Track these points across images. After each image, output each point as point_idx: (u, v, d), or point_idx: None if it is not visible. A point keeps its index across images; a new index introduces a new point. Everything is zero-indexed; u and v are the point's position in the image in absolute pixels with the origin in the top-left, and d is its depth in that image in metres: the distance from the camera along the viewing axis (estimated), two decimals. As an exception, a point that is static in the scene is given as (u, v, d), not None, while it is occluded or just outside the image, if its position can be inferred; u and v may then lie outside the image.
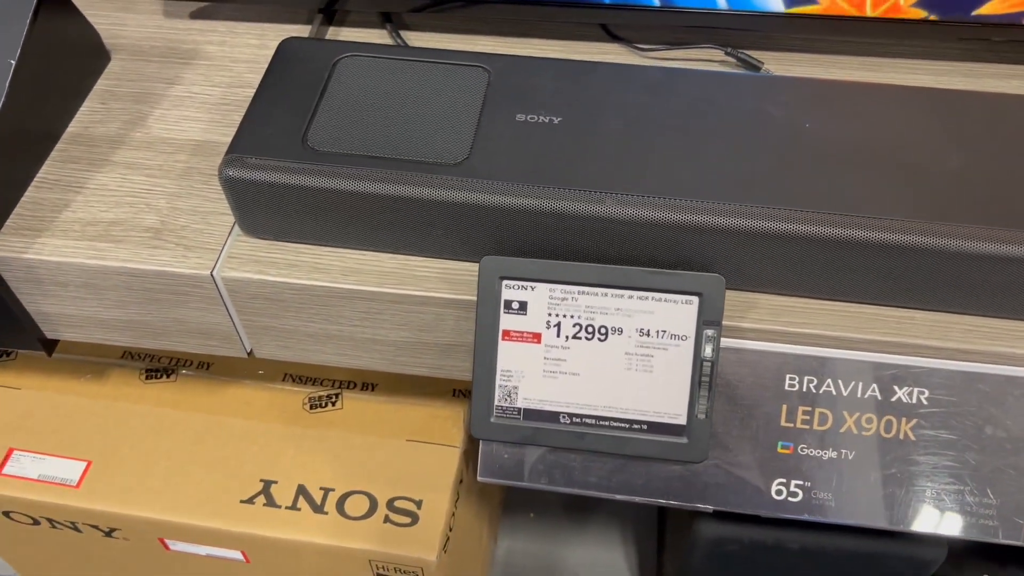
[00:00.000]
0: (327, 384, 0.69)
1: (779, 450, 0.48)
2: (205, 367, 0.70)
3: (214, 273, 0.49)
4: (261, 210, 0.48)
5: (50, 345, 0.57)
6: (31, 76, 0.52)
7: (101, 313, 0.53)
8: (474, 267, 0.48)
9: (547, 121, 0.48)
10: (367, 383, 0.69)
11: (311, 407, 0.68)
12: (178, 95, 0.59)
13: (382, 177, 0.45)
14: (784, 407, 0.47)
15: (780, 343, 0.47)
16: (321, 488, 0.63)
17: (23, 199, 0.53)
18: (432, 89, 0.50)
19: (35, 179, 0.54)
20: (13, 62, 0.50)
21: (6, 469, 0.65)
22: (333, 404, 0.68)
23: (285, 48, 0.52)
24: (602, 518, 0.95)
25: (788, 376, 0.47)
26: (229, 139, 0.53)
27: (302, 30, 0.62)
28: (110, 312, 0.53)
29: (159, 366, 0.70)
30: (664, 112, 0.48)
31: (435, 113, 0.48)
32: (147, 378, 0.70)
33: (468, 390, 0.69)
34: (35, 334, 0.56)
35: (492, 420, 0.48)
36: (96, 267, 0.50)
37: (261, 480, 0.63)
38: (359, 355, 0.53)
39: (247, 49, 0.62)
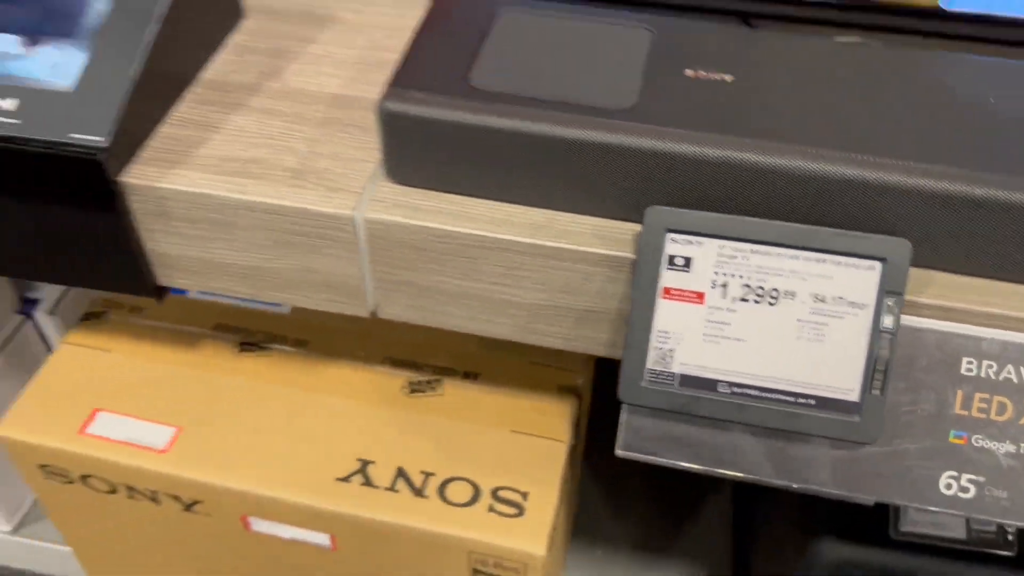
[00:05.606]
0: (427, 370, 0.66)
1: (951, 439, 0.44)
2: (302, 344, 0.68)
3: (357, 214, 0.47)
4: (415, 150, 0.46)
5: (162, 292, 0.55)
6: (175, 21, 0.51)
7: (227, 256, 0.51)
8: (628, 227, 0.46)
9: (718, 79, 0.46)
10: (468, 372, 0.66)
11: (411, 391, 0.65)
12: (314, 53, 0.58)
13: (549, 118, 0.43)
14: (959, 393, 0.44)
15: (959, 323, 0.44)
16: (422, 472, 0.59)
17: (159, 134, 0.52)
18: (597, 40, 0.48)
19: (171, 117, 0.53)
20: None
21: (90, 429, 0.62)
22: (433, 390, 0.65)
23: (442, -1, 0.51)
24: (673, 557, 0.89)
25: (965, 360, 0.44)
26: (368, 95, 0.53)
27: None
28: (237, 256, 0.51)
29: (254, 340, 0.68)
30: (848, 76, 0.46)
31: (601, 63, 0.47)
32: (242, 350, 0.67)
33: (574, 387, 0.66)
34: (149, 278, 0.54)
35: (643, 384, 0.44)
36: (235, 201, 0.48)
37: (358, 459, 0.60)
38: (491, 319, 0.51)
39: (384, 17, 0.61)
